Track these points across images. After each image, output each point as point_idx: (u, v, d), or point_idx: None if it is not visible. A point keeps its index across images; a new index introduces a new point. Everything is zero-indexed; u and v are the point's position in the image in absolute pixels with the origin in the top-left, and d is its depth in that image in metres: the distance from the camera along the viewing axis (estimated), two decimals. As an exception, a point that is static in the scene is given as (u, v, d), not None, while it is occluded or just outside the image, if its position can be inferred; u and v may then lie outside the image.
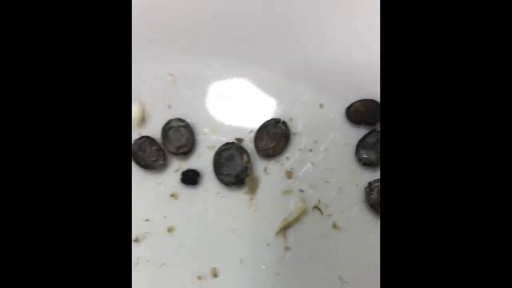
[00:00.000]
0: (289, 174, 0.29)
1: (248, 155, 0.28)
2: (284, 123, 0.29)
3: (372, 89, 0.29)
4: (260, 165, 0.29)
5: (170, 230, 0.28)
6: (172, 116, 0.29)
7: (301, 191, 0.29)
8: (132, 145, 0.28)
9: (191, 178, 0.29)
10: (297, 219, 0.28)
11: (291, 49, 0.30)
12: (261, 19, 0.29)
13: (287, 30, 0.30)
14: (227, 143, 0.29)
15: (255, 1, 0.29)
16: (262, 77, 0.30)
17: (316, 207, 0.28)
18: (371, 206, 0.27)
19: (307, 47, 0.30)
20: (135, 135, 0.29)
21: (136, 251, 0.28)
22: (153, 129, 0.29)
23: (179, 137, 0.29)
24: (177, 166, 0.29)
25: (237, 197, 0.29)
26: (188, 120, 0.29)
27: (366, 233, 0.28)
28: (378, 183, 0.27)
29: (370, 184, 0.27)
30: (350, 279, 0.27)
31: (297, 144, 0.29)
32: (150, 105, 0.30)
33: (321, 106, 0.29)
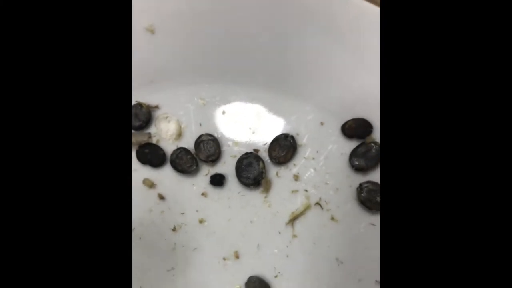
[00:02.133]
0: (296, 177, 0.32)
1: (263, 162, 0.32)
2: (292, 137, 0.32)
3: (362, 111, 0.32)
4: (273, 170, 0.33)
5: (201, 221, 0.32)
6: (203, 132, 0.33)
7: (306, 190, 0.32)
8: (170, 154, 0.32)
9: (218, 180, 0.32)
10: (302, 213, 0.32)
11: (299, 78, 0.33)
12: (275, 54, 0.32)
13: (295, 63, 0.33)
14: (247, 153, 0.32)
15: (270, 41, 0.32)
16: (275, 100, 0.34)
17: (317, 204, 0.32)
18: (362, 202, 0.31)
19: (312, 78, 0.33)
20: (173, 147, 0.32)
21: (174, 238, 0.32)
22: (188, 142, 0.33)
23: (208, 148, 0.33)
24: (206, 171, 0.33)
25: (255, 195, 0.32)
26: (215, 135, 0.33)
27: (358, 224, 0.31)
28: (367, 184, 0.31)
29: (360, 185, 0.31)
30: (345, 260, 0.31)
31: (302, 154, 0.33)
32: (185, 123, 0.33)
33: (322, 123, 0.33)
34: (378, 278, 0.30)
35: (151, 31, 0.32)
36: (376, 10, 0.30)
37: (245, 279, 0.31)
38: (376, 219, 0.31)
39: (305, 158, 0.33)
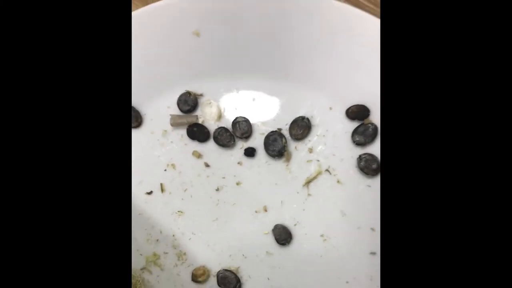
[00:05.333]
0: (310, 150, 0.38)
1: (285, 138, 0.37)
2: (307, 119, 0.38)
3: (362, 98, 0.37)
4: (292, 145, 0.38)
5: (238, 183, 0.38)
6: (238, 115, 0.38)
7: (318, 160, 0.38)
8: (213, 132, 0.38)
9: (250, 152, 0.38)
10: (315, 178, 0.38)
11: (314, 73, 0.38)
12: (295, 55, 0.37)
13: (312, 62, 0.37)
14: (272, 131, 0.38)
15: (292, 44, 0.36)
16: (293, 90, 0.38)
17: (327, 170, 0.38)
18: (361, 169, 0.37)
19: (324, 73, 0.37)
20: (215, 126, 0.38)
21: (217, 196, 0.38)
22: (227, 122, 0.39)
23: (243, 127, 0.38)
24: (241, 145, 0.38)
25: (278, 164, 0.38)
26: (248, 117, 0.38)
27: (357, 185, 0.37)
28: (365, 155, 0.37)
29: (360, 156, 0.37)
30: (348, 213, 0.37)
31: (315, 132, 0.38)
32: (224, 108, 0.39)
33: (330, 108, 0.38)
34: (373, 226, 0.37)
35: (197, 34, 0.37)
36: (375, 20, 0.35)
37: (272, 226, 0.37)
38: (372, 181, 0.37)
39: (317, 135, 0.38)
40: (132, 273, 0.31)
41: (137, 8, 0.37)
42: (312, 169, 0.38)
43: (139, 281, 0.31)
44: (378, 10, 0.41)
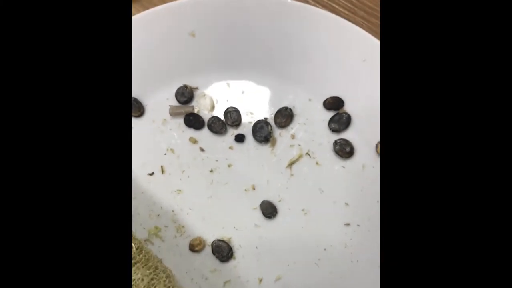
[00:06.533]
0: (292, 136, 0.42)
1: (270, 126, 0.42)
2: (290, 109, 0.42)
3: (337, 91, 0.42)
4: (277, 132, 0.42)
5: (229, 165, 0.42)
6: (229, 105, 0.43)
7: (299, 145, 0.42)
8: (207, 121, 0.42)
9: (240, 138, 0.42)
10: (297, 160, 0.42)
11: (296, 70, 0.43)
12: (280, 53, 0.42)
13: (294, 59, 0.42)
14: (259, 120, 0.42)
15: (277, 42, 0.42)
16: (278, 84, 0.43)
17: (307, 154, 0.42)
18: (336, 152, 0.41)
19: (305, 70, 0.42)
20: (209, 115, 0.43)
21: (211, 176, 0.42)
22: (219, 112, 0.43)
23: (233, 116, 0.42)
24: (232, 132, 0.43)
25: (265, 149, 0.42)
26: (238, 107, 0.42)
27: (333, 166, 0.42)
28: (340, 140, 0.41)
29: (335, 141, 0.41)
30: (325, 190, 0.41)
31: (297, 120, 0.43)
32: (216, 99, 0.43)
33: (310, 100, 0.43)
34: (347, 201, 0.41)
35: (193, 35, 0.43)
36: (348, 24, 0.40)
37: (259, 202, 0.41)
38: (346, 163, 0.42)
39: (298, 123, 0.43)
40: (136, 238, 0.36)
41: (138, 12, 0.42)
42: (294, 152, 0.43)
43: (141, 244, 0.35)
44: (352, 15, 0.47)
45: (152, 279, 0.32)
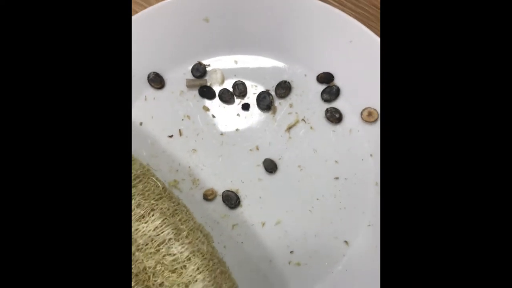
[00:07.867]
0: (290, 105, 0.47)
1: (272, 96, 0.46)
2: (289, 82, 0.46)
3: (328, 67, 0.47)
4: (277, 101, 0.47)
5: (237, 130, 0.47)
6: (237, 79, 0.47)
7: (296, 113, 0.47)
8: (218, 92, 0.48)
9: (246, 107, 0.47)
10: (294, 125, 0.47)
11: (294, 49, 0.47)
12: (281, 35, 0.47)
13: (294, 41, 0.46)
14: (263, 91, 0.46)
15: (278, 25, 0.48)
16: (278, 62, 0.48)
17: (303, 120, 0.47)
18: (327, 119, 0.46)
19: (302, 50, 0.47)
20: (220, 88, 0.48)
21: (221, 138, 0.47)
22: (228, 85, 0.48)
23: (240, 88, 0.47)
24: (239, 101, 0.47)
25: (267, 116, 0.47)
26: (244, 80, 0.47)
27: (325, 130, 0.47)
28: (331, 109, 0.46)
29: (327, 109, 0.46)
30: (318, 150, 0.47)
31: (295, 92, 0.47)
32: (226, 74, 0.48)
33: (305, 75, 0.47)
34: (336, 159, 0.47)
35: (207, 20, 0.48)
36: (338, 11, 0.46)
37: (262, 160, 0.46)
38: (335, 127, 0.48)
39: (296, 94, 0.47)
40: (160, 180, 0.42)
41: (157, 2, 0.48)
42: (292, 119, 0.48)
43: (165, 186, 0.42)
44: (341, 7, 0.53)
45: (175, 210, 0.39)
